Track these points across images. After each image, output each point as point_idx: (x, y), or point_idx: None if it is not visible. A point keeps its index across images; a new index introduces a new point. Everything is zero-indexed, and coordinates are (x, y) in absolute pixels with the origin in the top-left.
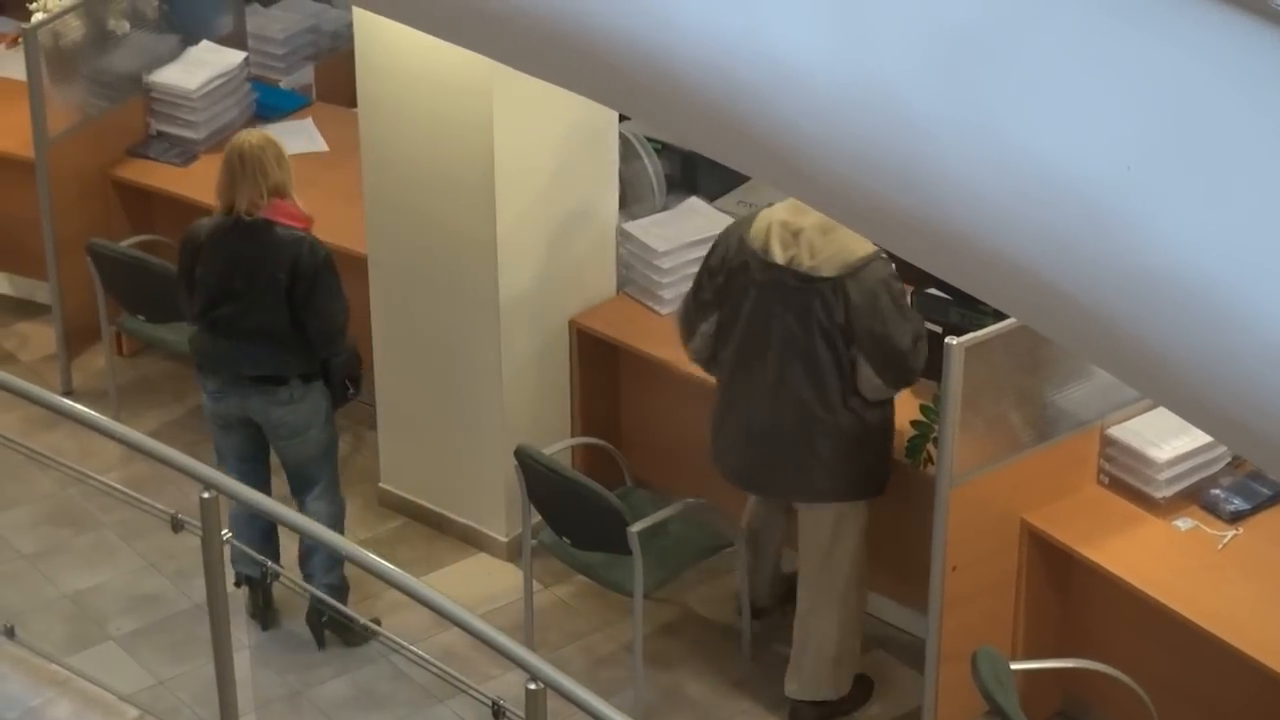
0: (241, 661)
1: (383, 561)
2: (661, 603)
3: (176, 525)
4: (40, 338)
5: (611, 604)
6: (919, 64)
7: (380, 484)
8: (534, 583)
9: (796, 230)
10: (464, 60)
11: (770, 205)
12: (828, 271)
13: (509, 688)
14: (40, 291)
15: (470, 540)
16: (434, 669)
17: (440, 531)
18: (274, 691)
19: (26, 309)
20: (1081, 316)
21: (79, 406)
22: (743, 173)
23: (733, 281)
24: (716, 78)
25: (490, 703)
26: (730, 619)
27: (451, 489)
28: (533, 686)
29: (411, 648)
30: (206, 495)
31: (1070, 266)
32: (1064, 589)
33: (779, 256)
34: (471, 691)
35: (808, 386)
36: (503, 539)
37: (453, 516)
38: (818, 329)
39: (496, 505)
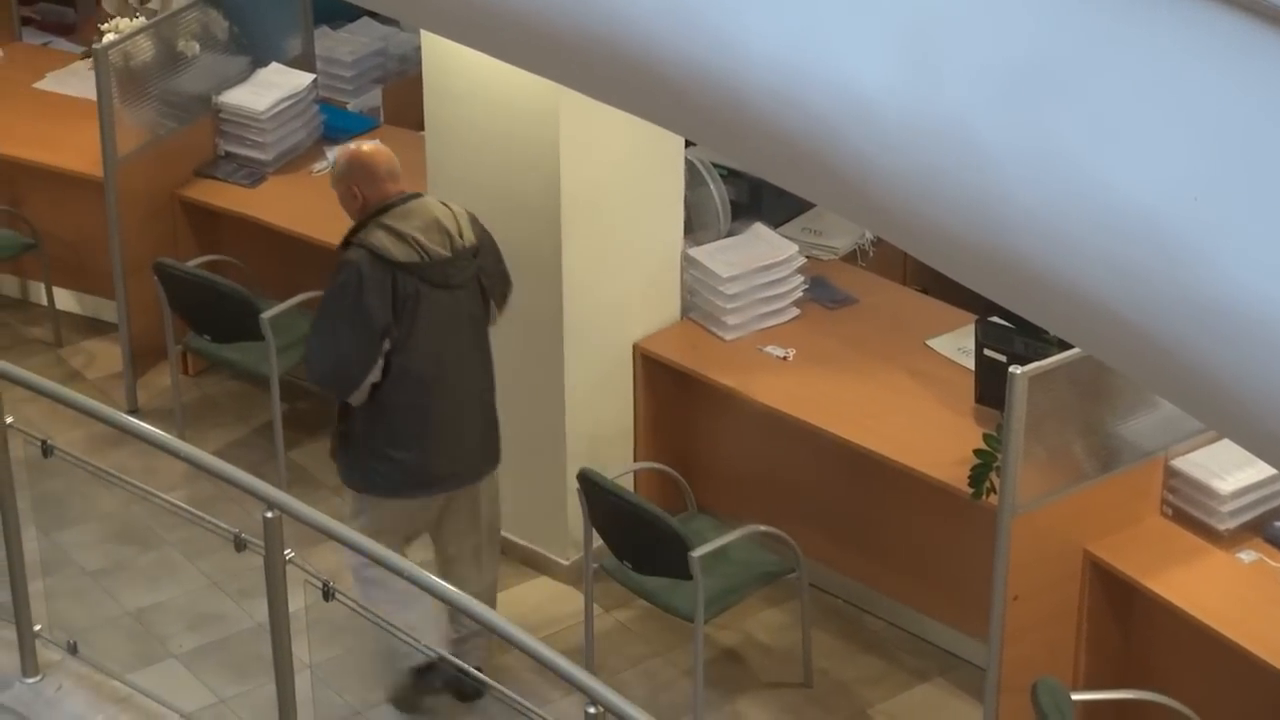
0: (302, 681)
1: (443, 583)
2: (722, 628)
3: (239, 544)
4: (107, 356)
5: (672, 629)
6: (989, 95)
7: None
8: (594, 606)
9: (432, 221)
10: (531, 84)
11: (371, 232)
12: (474, 239)
13: (568, 711)
14: (107, 310)
15: (532, 563)
16: (494, 691)
17: (502, 554)
18: (334, 712)
19: (94, 327)
20: (1147, 346)
21: (144, 424)
22: (810, 201)
23: (404, 307)
24: (786, 105)
25: None
26: (792, 645)
27: (514, 512)
28: (592, 710)
29: (471, 670)
30: (270, 515)
31: (1136, 296)
32: (1126, 620)
33: (448, 247)
34: (531, 715)
35: (486, 351)
36: (564, 562)
37: (515, 539)
38: (482, 293)
39: (558, 529)
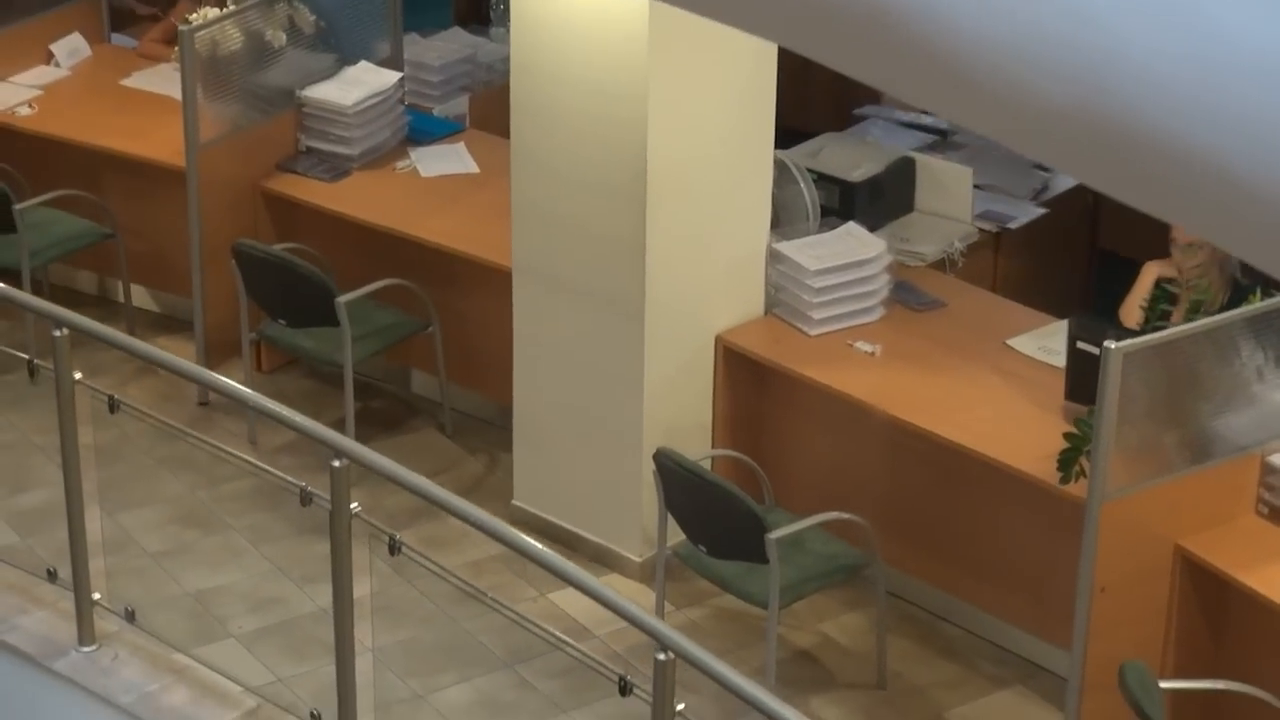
0: (364, 664)
1: (528, 539)
2: (796, 629)
3: (305, 499)
4: (180, 352)
5: (744, 627)
6: None
7: (513, 501)
8: (665, 604)
9: None
10: (620, 63)
11: None
12: None
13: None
14: (183, 308)
15: (603, 560)
16: (572, 652)
17: (573, 550)
18: (395, 694)
19: (167, 324)
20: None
21: (212, 373)
22: (893, 93)
23: None
24: None
25: (617, 678)
26: (867, 649)
27: (586, 508)
28: (662, 657)
29: (548, 626)
30: (337, 464)
31: (1269, 161)
32: (1217, 620)
33: None
34: (599, 668)
35: None
36: (636, 559)
37: (586, 535)
38: None
39: (631, 525)
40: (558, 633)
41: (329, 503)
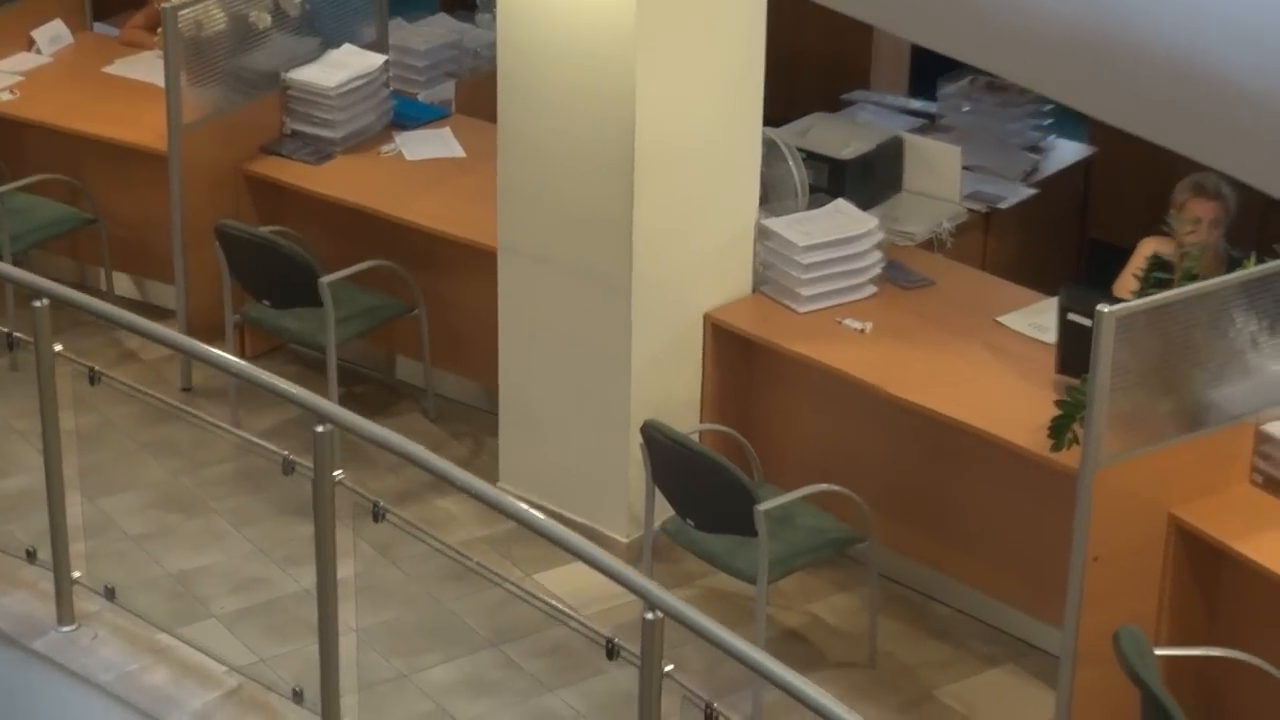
0: (347, 644)
1: (507, 496)
2: (787, 610)
3: (287, 468)
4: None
5: (732, 606)
6: None
7: (498, 483)
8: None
9: None
10: (608, 34)
11: None
12: None
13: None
14: (165, 295)
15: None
16: (560, 619)
17: None
18: (379, 674)
19: (150, 312)
20: None
21: (192, 340)
22: (900, 33)
23: None
24: None
25: (605, 641)
26: (858, 629)
27: (572, 490)
28: (650, 616)
29: (547, 596)
30: (321, 429)
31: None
32: (1211, 590)
33: None
34: (585, 632)
35: None
36: (623, 540)
37: (572, 517)
38: None
39: (618, 506)
40: (547, 599)
41: (311, 471)
